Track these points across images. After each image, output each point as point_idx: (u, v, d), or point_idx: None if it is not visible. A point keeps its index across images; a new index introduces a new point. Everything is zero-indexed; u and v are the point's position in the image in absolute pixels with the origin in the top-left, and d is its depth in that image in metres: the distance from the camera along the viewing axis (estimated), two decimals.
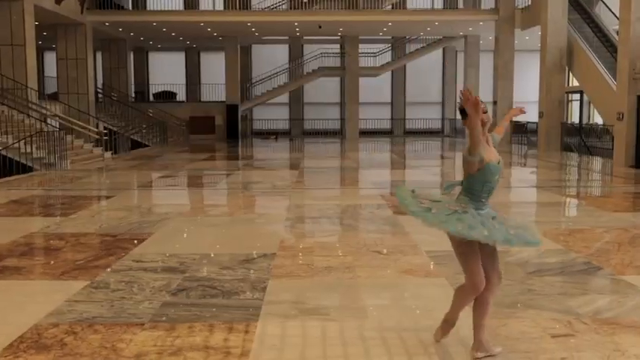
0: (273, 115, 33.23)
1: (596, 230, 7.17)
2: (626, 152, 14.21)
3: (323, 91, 33.76)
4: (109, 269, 5.47)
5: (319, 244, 6.52)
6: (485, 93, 30.38)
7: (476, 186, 3.43)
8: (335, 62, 32.54)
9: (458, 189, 3.62)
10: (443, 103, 33.83)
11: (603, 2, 20.69)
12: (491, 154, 3.43)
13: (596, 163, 16.72)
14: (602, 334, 3.88)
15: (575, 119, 26.07)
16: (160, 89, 32.15)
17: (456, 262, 5.56)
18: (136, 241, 6.61)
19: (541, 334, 3.91)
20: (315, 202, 9.73)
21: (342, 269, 5.48)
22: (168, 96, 31.73)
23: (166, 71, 33.21)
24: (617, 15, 19.59)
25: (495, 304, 4.49)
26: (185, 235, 7.23)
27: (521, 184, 12.60)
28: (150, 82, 33.19)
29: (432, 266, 5.60)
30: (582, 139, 20.77)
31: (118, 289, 4.87)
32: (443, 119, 33.73)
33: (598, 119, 25.41)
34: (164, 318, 4.22)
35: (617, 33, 20.38)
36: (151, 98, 32.27)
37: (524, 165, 16.54)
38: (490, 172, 3.40)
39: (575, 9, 20.42)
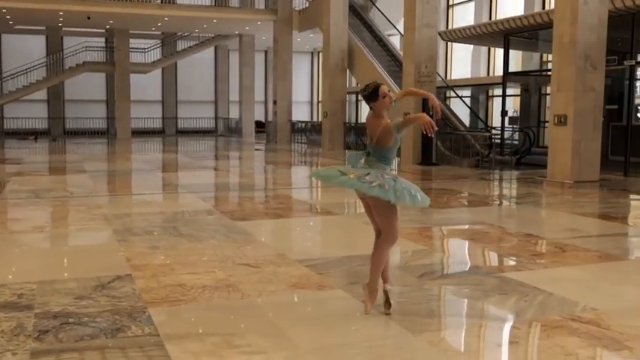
0: (28, 113, 30.01)
1: (441, 228, 7.33)
2: (413, 150, 15.09)
3: (87, 87, 31.36)
4: None
5: (175, 260, 5.72)
6: (258, 92, 30.69)
7: (391, 154, 4.00)
8: (100, 57, 30.42)
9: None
10: (216, 102, 33.46)
11: (377, 8, 21.92)
12: None
13: None
14: (542, 338, 3.79)
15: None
16: None
17: (341, 271, 5.29)
18: None
19: (485, 343, 3.71)
20: (133, 210, 8.74)
21: (222, 288, 4.81)
22: None
23: None
24: (391, 20, 20.97)
25: (413, 315, 4.24)
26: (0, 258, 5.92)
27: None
28: None
29: (316, 277, 5.16)
30: (360, 138, 21.84)
31: None
32: (216, 118, 33.36)
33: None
34: None
35: (389, 36, 21.85)
36: None
37: (319, 164, 16.82)
38: (398, 143, 4.02)
39: (353, 13, 21.34)
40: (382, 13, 21.44)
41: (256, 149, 22.46)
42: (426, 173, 13.64)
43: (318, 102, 36.20)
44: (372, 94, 3.98)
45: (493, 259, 5.78)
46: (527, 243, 6.52)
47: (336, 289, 4.80)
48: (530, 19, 14.09)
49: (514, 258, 5.80)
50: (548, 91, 18.54)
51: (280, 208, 9.13)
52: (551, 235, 6.85)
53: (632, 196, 10.37)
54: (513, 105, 21.14)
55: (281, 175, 14.82)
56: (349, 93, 23.20)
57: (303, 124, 27.23)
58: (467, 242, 6.57)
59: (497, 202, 10.05)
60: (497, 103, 22.00)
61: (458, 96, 18.95)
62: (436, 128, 3.78)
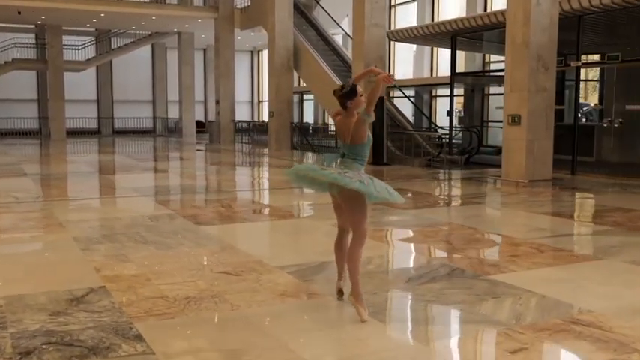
0: None
1: (411, 230, 7.28)
2: None
3: (16, 86, 30.03)
4: None
5: (148, 269, 5.44)
6: (197, 92, 30.11)
7: (366, 152, 4.16)
8: (30, 54, 29.20)
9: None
10: (154, 102, 32.66)
11: (322, 7, 21.82)
12: None
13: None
14: (549, 342, 3.75)
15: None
16: None
17: (325, 278, 5.12)
18: None
19: (497, 350, 3.64)
20: (89, 215, 8.32)
21: (208, 299, 4.58)
22: None
23: None
24: (335, 19, 20.93)
25: (416, 322, 4.14)
26: None
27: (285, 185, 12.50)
28: None
29: (303, 285, 4.99)
30: (306, 138, 21.72)
31: None
32: (154, 118, 32.57)
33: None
34: None
35: (333, 35, 21.80)
36: None
37: (274, 165, 16.58)
38: (371, 141, 4.22)
39: (297, 12, 21.15)
40: (326, 12, 21.38)
41: (198, 150, 22.03)
42: (378, 173, 13.61)
43: (259, 102, 35.89)
44: (351, 91, 4.11)
45: (474, 261, 5.73)
46: (502, 244, 6.54)
47: (327, 297, 4.64)
48: (479, 20, 14.28)
49: (494, 259, 5.78)
50: (492, 92, 18.97)
51: (242, 211, 8.88)
52: (522, 234, 6.88)
53: (586, 195, 10.62)
54: (456, 105, 21.46)
55: (234, 176, 14.54)
56: (295, 92, 22.98)
57: (245, 124, 26.93)
58: (442, 244, 6.52)
59: (459, 202, 10.09)
60: (440, 103, 22.31)
61: (406, 96, 19.08)
62: (394, 77, 4.20)
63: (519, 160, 11.03)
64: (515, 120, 11.06)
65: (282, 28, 19.40)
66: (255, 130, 25.64)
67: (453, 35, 15.38)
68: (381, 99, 15.01)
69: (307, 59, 19.49)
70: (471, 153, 15.52)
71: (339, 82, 17.86)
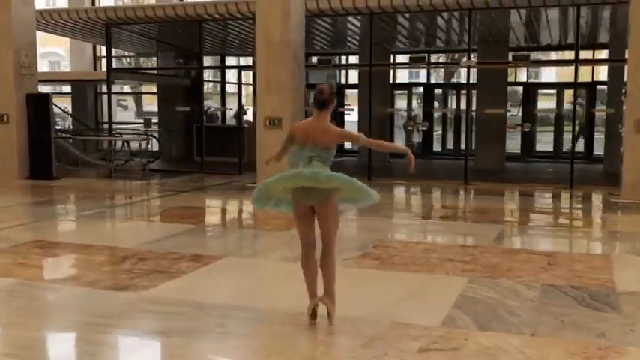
0: None
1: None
2: (19, 161, 11.62)
3: None
4: None
5: None
6: None
7: (332, 157, 4.04)
8: None
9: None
10: None
11: None
12: None
13: None
14: None
15: None
16: None
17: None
18: None
19: None
20: None
21: None
22: None
23: None
24: None
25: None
26: None
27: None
28: None
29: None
30: None
31: None
32: None
33: None
34: None
35: None
36: None
37: None
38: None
39: None
40: None
41: None
42: (55, 192, 10.69)
43: None
44: (332, 96, 4.10)
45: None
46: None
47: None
48: (134, 12, 12.79)
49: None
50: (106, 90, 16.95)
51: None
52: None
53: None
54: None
55: None
56: None
57: None
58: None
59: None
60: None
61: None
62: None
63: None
64: (274, 123, 10.19)
65: None
66: None
67: (108, 25, 13.26)
68: (48, 95, 12.10)
69: None
70: (150, 160, 13.45)
71: None
